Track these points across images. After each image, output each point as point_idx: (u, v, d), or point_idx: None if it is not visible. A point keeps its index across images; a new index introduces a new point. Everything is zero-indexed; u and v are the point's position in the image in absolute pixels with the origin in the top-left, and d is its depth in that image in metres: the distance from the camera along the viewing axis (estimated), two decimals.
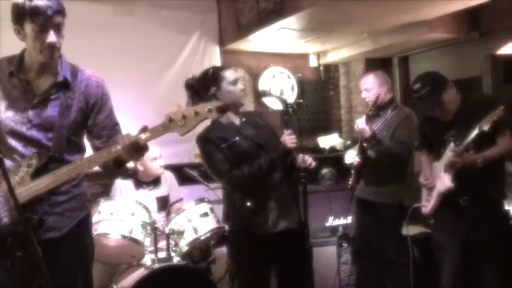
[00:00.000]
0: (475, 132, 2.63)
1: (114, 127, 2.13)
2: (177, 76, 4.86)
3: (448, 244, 2.93)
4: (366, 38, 4.88)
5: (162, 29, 4.85)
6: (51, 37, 1.90)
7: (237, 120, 2.79)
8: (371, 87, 3.54)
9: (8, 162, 1.93)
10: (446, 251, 2.94)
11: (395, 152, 3.35)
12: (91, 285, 2.17)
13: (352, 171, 3.61)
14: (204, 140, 2.72)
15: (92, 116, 2.09)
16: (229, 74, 2.75)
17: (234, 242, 2.82)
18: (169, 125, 1.89)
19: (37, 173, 1.91)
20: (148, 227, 3.29)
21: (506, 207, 3.05)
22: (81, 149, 2.11)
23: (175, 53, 4.94)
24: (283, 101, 2.76)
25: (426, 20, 4.29)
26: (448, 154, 2.80)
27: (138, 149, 1.91)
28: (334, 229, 4.29)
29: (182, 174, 4.04)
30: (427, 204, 2.97)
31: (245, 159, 2.65)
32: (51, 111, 1.99)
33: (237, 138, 2.69)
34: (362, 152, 3.50)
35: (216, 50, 5.18)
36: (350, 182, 3.61)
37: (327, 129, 5.71)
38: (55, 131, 1.98)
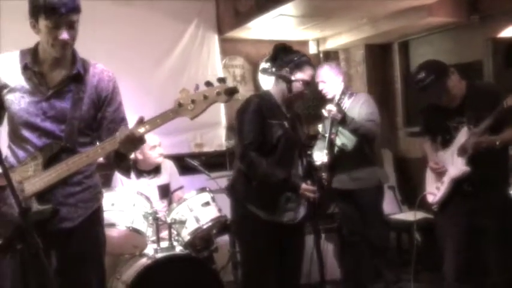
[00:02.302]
0: (498, 110, 2.62)
1: (122, 121, 2.15)
2: (175, 65, 4.85)
3: (451, 229, 2.93)
4: (366, 23, 4.84)
5: (160, 19, 4.81)
6: (64, 35, 1.93)
7: (283, 108, 2.82)
8: (327, 78, 3.61)
9: (21, 153, 2.01)
10: (449, 237, 2.94)
11: (368, 129, 3.47)
12: (104, 276, 2.21)
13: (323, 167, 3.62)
14: (254, 104, 2.74)
15: (102, 109, 2.12)
16: (308, 73, 2.80)
17: (240, 211, 2.84)
18: (178, 109, 1.90)
19: (50, 163, 1.95)
20: (150, 217, 3.29)
21: (511, 192, 3.05)
22: (93, 142, 2.14)
23: (173, 42, 4.90)
24: (286, 78, 2.75)
25: (426, 5, 4.25)
26: (461, 139, 2.79)
27: (133, 141, 1.92)
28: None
29: (183, 164, 4.03)
30: (436, 192, 2.95)
31: (276, 145, 2.69)
32: (64, 103, 2.03)
33: (285, 123, 2.75)
34: (330, 146, 3.52)
35: (215, 39, 5.14)
36: (324, 177, 3.56)
37: None
38: (67, 122, 2.02)
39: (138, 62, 4.62)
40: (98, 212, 2.16)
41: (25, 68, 2.03)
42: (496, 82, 3.94)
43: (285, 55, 2.81)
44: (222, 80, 1.91)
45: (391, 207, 4.67)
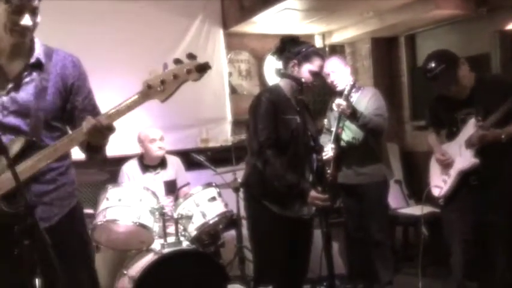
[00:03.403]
0: (508, 102, 2.62)
1: (94, 109, 2.01)
2: None
3: (457, 223, 2.92)
4: (372, 17, 4.81)
5: (165, 14, 4.79)
6: (26, 20, 1.81)
7: (293, 101, 2.79)
8: (336, 68, 3.56)
9: None
10: (456, 230, 2.93)
11: (377, 124, 3.41)
12: (95, 275, 2.13)
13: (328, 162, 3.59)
14: (266, 99, 2.71)
15: (71, 98, 1.98)
16: (317, 64, 2.75)
17: (254, 206, 2.83)
18: (148, 92, 1.77)
19: (16, 161, 1.78)
20: (157, 213, 3.30)
21: None
22: (64, 134, 1.98)
23: (178, 37, 4.88)
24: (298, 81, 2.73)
25: None
26: (469, 131, 2.78)
27: (100, 130, 1.77)
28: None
29: (189, 159, 4.03)
30: (442, 185, 2.94)
31: (289, 141, 2.68)
32: (27, 95, 1.89)
33: (297, 117, 2.72)
34: (336, 140, 3.50)
35: (220, 33, 5.13)
36: (329, 172, 3.45)
37: None
38: (32, 115, 1.88)
39: (143, 58, 4.58)
40: (76, 209, 2.04)
41: None
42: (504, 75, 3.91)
43: (292, 47, 2.77)
44: (191, 56, 1.77)
45: (397, 201, 4.66)
